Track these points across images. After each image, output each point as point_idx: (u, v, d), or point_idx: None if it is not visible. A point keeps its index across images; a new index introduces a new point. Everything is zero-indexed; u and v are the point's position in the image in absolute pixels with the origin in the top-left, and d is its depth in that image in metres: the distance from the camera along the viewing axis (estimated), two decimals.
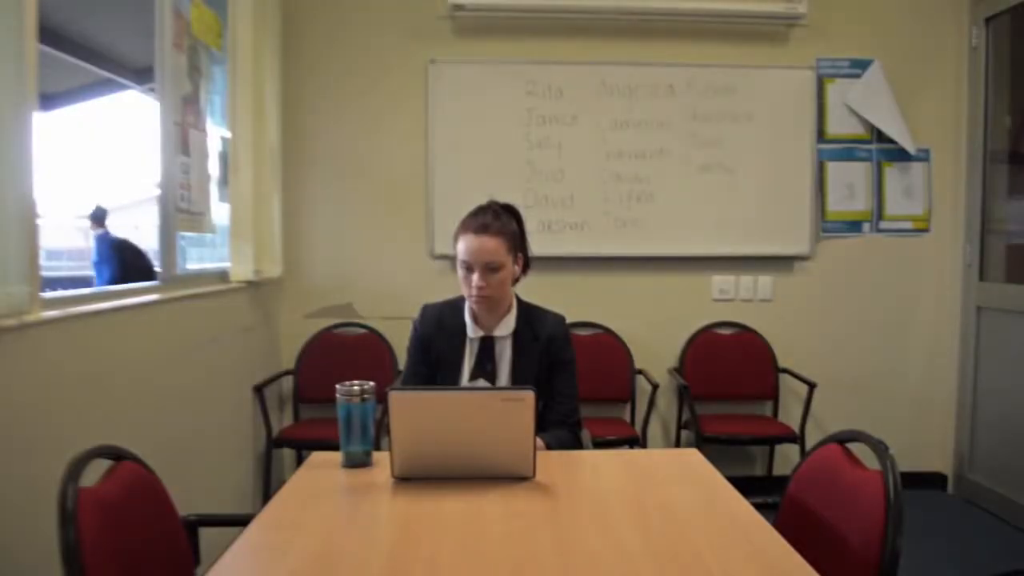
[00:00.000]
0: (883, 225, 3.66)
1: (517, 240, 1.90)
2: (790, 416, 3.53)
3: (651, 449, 3.42)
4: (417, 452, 1.50)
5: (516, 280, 1.94)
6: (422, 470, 1.52)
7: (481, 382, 1.92)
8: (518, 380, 1.91)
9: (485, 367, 1.93)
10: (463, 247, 1.84)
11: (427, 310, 2.00)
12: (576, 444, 1.93)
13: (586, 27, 3.53)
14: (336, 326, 3.55)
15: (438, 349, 1.94)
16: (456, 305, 1.97)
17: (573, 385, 1.96)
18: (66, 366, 1.73)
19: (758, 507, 1.39)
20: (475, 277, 1.83)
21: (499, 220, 1.86)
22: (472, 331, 1.93)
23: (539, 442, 1.79)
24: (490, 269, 1.83)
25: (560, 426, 1.92)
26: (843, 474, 1.45)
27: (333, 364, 3.43)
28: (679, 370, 3.59)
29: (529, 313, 1.96)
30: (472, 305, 1.91)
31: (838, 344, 3.67)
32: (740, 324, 3.63)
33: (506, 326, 1.93)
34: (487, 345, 1.93)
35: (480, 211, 1.89)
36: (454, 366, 1.93)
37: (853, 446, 1.50)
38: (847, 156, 3.63)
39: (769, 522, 1.34)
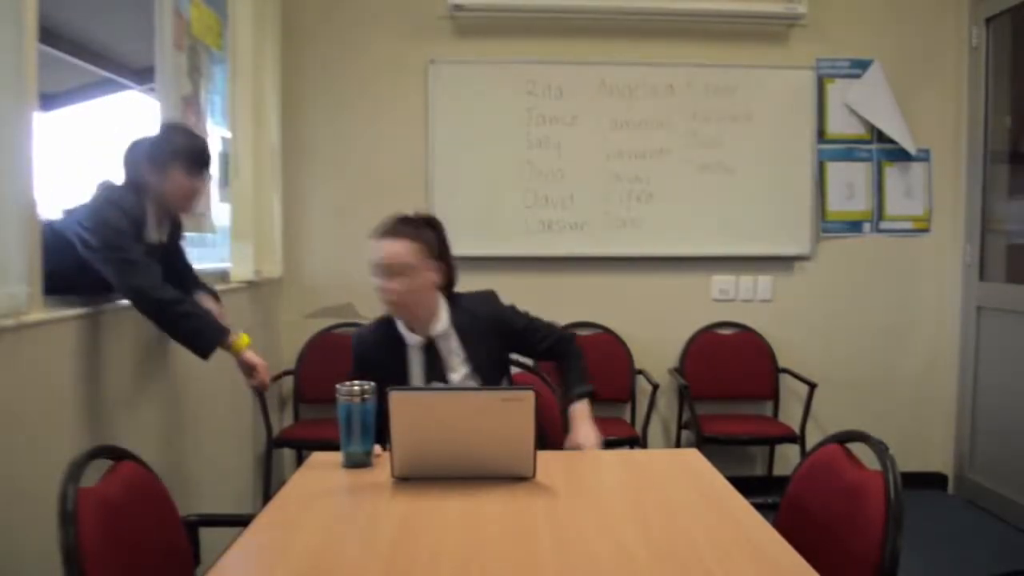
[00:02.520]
0: (883, 225, 3.66)
1: (433, 247, 1.88)
2: (790, 416, 3.53)
3: (651, 449, 3.42)
4: (417, 452, 1.50)
5: (443, 288, 1.92)
6: (422, 470, 1.52)
7: (438, 384, 1.91)
8: (478, 366, 1.91)
9: (435, 369, 1.91)
10: (371, 255, 1.84)
11: (360, 333, 1.99)
12: (576, 347, 2.02)
13: (586, 27, 3.53)
14: (336, 326, 3.55)
15: (381, 365, 1.90)
16: (389, 319, 1.94)
17: (540, 323, 2.02)
18: (66, 366, 1.73)
19: (758, 507, 1.39)
20: (382, 281, 1.82)
21: (407, 226, 1.86)
22: (410, 339, 1.91)
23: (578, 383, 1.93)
24: (396, 272, 1.81)
25: (557, 345, 1.99)
26: (843, 474, 1.45)
27: (333, 364, 3.41)
28: (679, 370, 3.59)
29: (457, 303, 1.95)
30: (389, 312, 1.90)
31: (838, 344, 3.66)
32: (740, 324, 3.63)
33: (440, 323, 1.91)
34: (431, 348, 1.91)
35: (387, 220, 1.88)
36: (401, 377, 1.90)
37: (853, 446, 1.50)
38: (847, 156, 3.63)
39: (769, 522, 1.34)
